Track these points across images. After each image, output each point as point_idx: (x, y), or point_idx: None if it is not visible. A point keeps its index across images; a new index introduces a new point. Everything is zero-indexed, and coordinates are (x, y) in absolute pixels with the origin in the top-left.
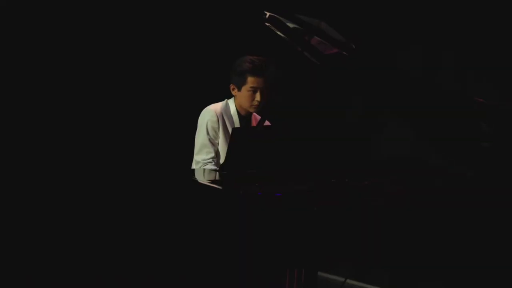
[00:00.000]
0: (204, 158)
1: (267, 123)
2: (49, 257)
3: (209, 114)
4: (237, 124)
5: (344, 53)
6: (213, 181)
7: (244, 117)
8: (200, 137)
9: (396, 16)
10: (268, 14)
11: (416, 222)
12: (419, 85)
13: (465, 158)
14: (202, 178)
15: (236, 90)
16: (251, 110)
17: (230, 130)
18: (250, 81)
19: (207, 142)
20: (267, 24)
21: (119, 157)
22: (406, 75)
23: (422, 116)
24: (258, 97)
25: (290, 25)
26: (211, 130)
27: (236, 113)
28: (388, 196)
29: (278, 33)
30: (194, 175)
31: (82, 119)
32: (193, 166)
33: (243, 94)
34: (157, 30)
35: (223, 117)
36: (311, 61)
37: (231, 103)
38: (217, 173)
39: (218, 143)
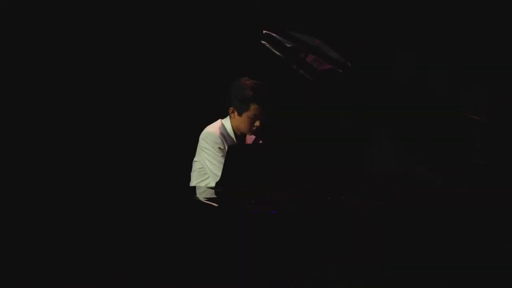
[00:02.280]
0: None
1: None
2: (49, 257)
3: (213, 137)
4: (233, 144)
5: (340, 70)
6: (210, 199)
7: (240, 136)
8: (212, 159)
9: (391, 20)
10: (263, 31)
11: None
12: (412, 100)
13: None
14: (200, 196)
15: (236, 114)
16: (248, 134)
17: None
18: (253, 109)
19: (222, 160)
20: (262, 42)
21: (120, 158)
22: (400, 90)
23: (416, 132)
24: (258, 123)
25: (286, 43)
26: (220, 152)
27: (232, 133)
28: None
29: (274, 50)
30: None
31: (77, 122)
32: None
33: (243, 119)
34: (153, 35)
35: (224, 137)
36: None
37: (226, 123)
38: (213, 190)
39: None
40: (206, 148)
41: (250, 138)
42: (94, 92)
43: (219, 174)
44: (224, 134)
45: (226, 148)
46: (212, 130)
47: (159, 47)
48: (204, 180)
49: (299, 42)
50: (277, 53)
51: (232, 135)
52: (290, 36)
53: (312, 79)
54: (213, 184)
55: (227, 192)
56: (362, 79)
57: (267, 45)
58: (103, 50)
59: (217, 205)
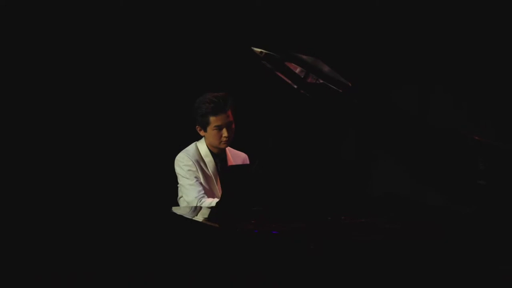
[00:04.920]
0: (196, 196)
1: (246, 158)
2: (49, 257)
3: (183, 160)
4: (211, 164)
5: (340, 90)
6: (208, 219)
7: (218, 154)
8: (184, 182)
9: (390, 56)
10: (264, 52)
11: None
12: (415, 122)
13: (462, 196)
14: (198, 216)
15: (202, 131)
16: (221, 146)
17: (206, 171)
18: (213, 120)
19: (193, 182)
20: (262, 62)
21: (110, 164)
22: (402, 112)
23: (418, 153)
24: (225, 133)
25: (286, 63)
26: (191, 174)
27: (208, 153)
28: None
29: (274, 70)
30: (189, 213)
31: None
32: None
33: (209, 134)
34: (152, 39)
35: (197, 160)
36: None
37: (201, 145)
38: (214, 210)
39: (201, 184)
40: (179, 173)
41: (230, 154)
42: (86, 95)
43: (188, 191)
44: (197, 156)
45: (199, 169)
46: (183, 154)
47: (157, 51)
48: None
49: (299, 62)
50: (277, 73)
51: (209, 155)
52: (290, 57)
53: (312, 98)
54: (189, 199)
55: (227, 213)
56: (358, 114)
57: (267, 65)
58: (100, 52)
59: (216, 225)
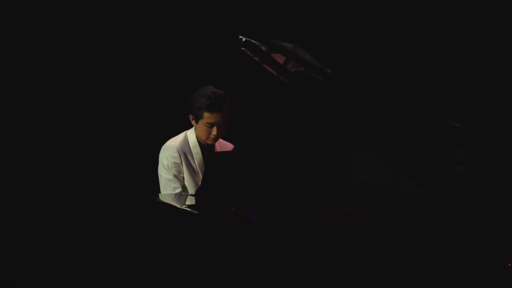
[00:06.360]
0: (172, 194)
1: (230, 146)
2: (49, 258)
3: (170, 150)
4: (198, 156)
5: (320, 77)
6: (190, 206)
7: (206, 147)
8: (164, 174)
9: (370, 48)
10: (243, 39)
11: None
12: (393, 113)
13: (440, 184)
14: (178, 203)
15: (194, 121)
16: (208, 142)
17: (192, 163)
18: (207, 116)
19: (172, 177)
20: (242, 49)
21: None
22: (380, 104)
23: (397, 142)
24: (214, 131)
25: (266, 50)
26: (174, 167)
27: (197, 144)
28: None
29: (254, 58)
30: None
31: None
32: None
33: (200, 127)
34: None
35: (184, 151)
36: (286, 86)
37: (191, 134)
38: (193, 197)
39: (183, 178)
40: (161, 162)
41: (220, 146)
42: (69, 86)
43: (166, 187)
44: (186, 147)
45: (183, 161)
46: (172, 143)
47: (153, 50)
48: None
49: (279, 49)
50: (257, 60)
51: (197, 146)
52: (270, 43)
53: (291, 85)
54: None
55: (207, 200)
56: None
57: (247, 52)
58: (85, 44)
59: (196, 212)
